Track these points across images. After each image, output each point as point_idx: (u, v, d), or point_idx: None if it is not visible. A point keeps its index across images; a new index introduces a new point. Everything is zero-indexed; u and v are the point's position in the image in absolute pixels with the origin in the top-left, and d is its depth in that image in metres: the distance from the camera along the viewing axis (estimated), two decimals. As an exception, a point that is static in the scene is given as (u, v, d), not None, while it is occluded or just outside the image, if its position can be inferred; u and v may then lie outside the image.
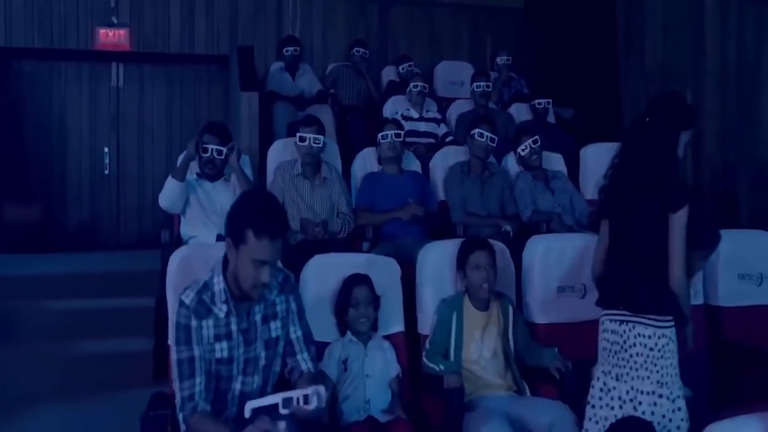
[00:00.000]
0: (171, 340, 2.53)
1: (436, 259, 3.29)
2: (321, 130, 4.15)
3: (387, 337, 3.13)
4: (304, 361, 2.56)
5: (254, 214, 2.31)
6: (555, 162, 4.82)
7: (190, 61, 6.68)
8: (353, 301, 3.01)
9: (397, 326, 3.20)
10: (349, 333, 3.03)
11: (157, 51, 6.47)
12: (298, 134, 4.11)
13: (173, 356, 2.42)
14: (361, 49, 6.44)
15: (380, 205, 4.21)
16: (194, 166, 4.11)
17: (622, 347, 2.57)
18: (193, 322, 2.38)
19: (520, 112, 5.82)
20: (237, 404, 2.47)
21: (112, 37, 6.28)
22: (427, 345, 3.10)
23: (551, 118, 5.88)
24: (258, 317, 2.47)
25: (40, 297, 4.43)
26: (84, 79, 6.60)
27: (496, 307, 3.18)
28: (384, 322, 3.13)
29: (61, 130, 6.53)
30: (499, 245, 3.35)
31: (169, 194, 3.91)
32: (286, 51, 6.28)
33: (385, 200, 4.21)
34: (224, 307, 2.40)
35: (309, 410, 2.22)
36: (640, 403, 2.52)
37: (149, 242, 5.51)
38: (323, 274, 3.13)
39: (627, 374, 2.55)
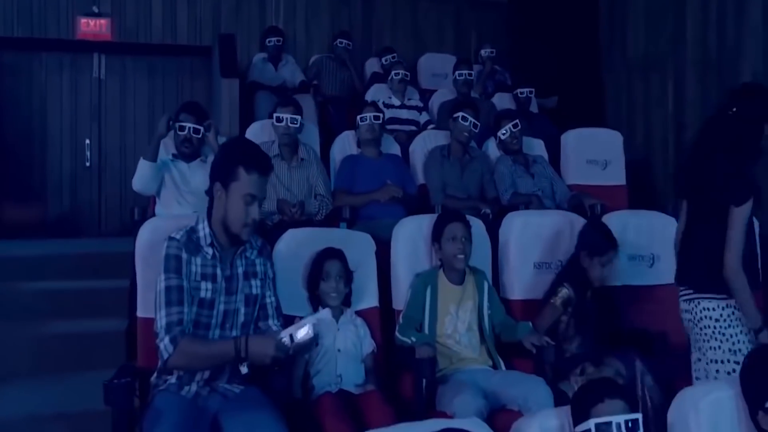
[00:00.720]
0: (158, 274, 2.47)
1: (411, 234, 3.26)
2: (298, 110, 4.11)
3: (360, 312, 3.09)
4: (275, 326, 2.57)
5: (243, 153, 2.49)
6: (536, 147, 4.81)
7: (173, 52, 6.64)
8: (324, 274, 2.98)
9: (371, 301, 3.16)
10: (320, 308, 2.99)
11: (139, 42, 6.42)
12: (275, 114, 4.08)
13: (160, 285, 2.42)
14: (345, 41, 6.44)
15: (359, 187, 4.17)
16: (170, 147, 4.06)
17: (693, 323, 2.71)
18: (184, 255, 2.44)
19: (502, 101, 5.81)
20: None
21: (93, 26, 6.23)
22: (401, 320, 3.07)
23: (534, 108, 5.88)
24: (240, 270, 2.53)
25: (14, 278, 4.37)
26: (65, 70, 6.55)
27: (472, 282, 3.16)
28: (358, 297, 3.10)
29: (42, 121, 6.47)
30: (475, 221, 3.32)
31: (141, 176, 3.87)
32: (269, 42, 6.27)
33: (364, 182, 4.17)
34: (210, 250, 2.47)
35: (307, 340, 2.36)
36: (717, 371, 2.62)
37: (130, 233, 5.45)
38: (296, 248, 3.08)
39: (701, 348, 2.69)
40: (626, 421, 2.09)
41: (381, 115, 4.36)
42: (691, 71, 5.07)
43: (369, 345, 3.01)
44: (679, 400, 2.33)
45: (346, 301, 3.03)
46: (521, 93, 5.69)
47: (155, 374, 2.53)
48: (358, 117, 4.34)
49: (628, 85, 5.74)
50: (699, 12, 4.99)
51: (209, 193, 2.53)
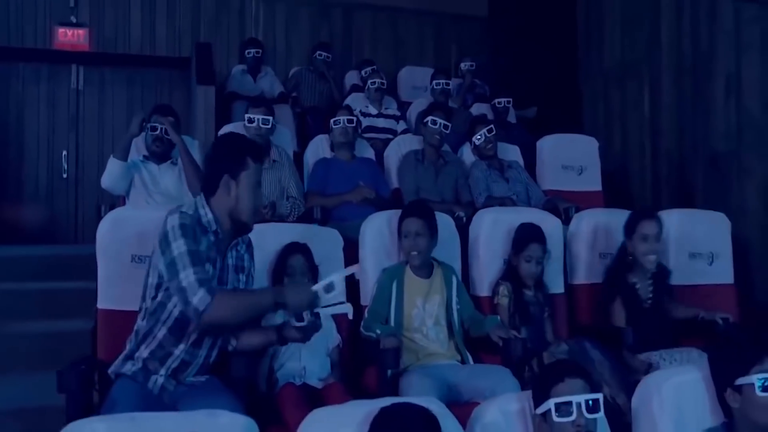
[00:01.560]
0: (163, 247, 2.35)
1: (380, 230, 3.25)
2: (269, 111, 4.11)
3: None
4: None
5: (247, 144, 2.56)
6: (511, 153, 4.81)
7: (152, 63, 6.63)
8: (289, 269, 2.94)
9: (338, 297, 3.10)
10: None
11: (118, 52, 6.40)
12: (246, 116, 4.07)
13: (179, 249, 2.29)
14: (324, 53, 6.44)
15: (331, 189, 4.15)
16: (142, 149, 4.08)
17: None
18: (197, 230, 2.37)
19: (480, 111, 5.79)
20: (192, 344, 2.42)
21: (71, 36, 6.22)
22: (366, 314, 3.02)
23: (512, 118, 5.89)
24: (230, 262, 2.50)
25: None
26: (43, 81, 6.51)
27: (440, 276, 3.13)
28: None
29: (19, 131, 6.41)
30: (443, 216, 3.30)
31: (110, 173, 3.85)
32: (248, 53, 6.28)
33: (337, 185, 4.15)
34: (212, 237, 2.42)
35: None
36: None
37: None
38: (262, 242, 3.01)
39: None
40: (587, 401, 2.04)
41: (354, 118, 4.36)
42: (667, 76, 5.08)
43: (334, 339, 2.97)
44: (643, 385, 2.31)
45: (312, 296, 2.98)
46: (499, 103, 5.70)
47: (119, 361, 2.46)
48: (332, 120, 4.33)
49: (605, 92, 5.75)
50: (673, 18, 5.02)
51: (211, 187, 2.44)
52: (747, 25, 4.40)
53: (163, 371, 2.42)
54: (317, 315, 2.43)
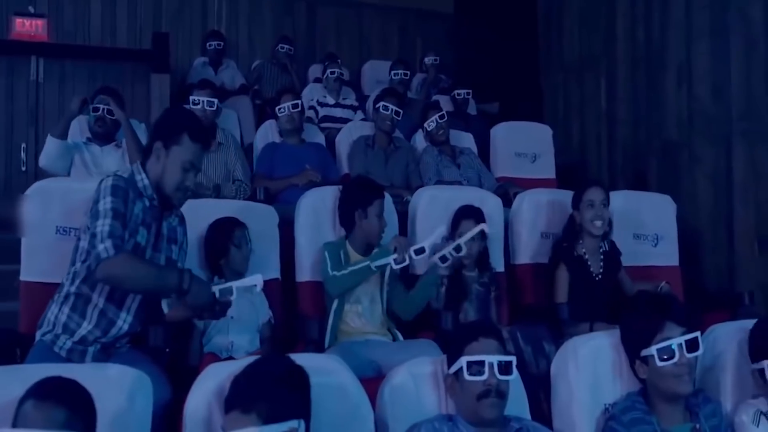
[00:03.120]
0: (92, 204, 2.33)
1: (314, 206, 3.21)
2: (214, 94, 4.07)
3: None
4: None
5: (190, 121, 2.49)
6: (465, 140, 4.79)
7: (113, 56, 6.56)
8: (236, 241, 2.93)
9: (273, 273, 3.08)
10: (216, 278, 2.90)
11: (77, 43, 6.34)
12: (191, 98, 4.03)
13: (105, 205, 2.26)
14: (286, 46, 6.42)
15: (279, 173, 4.12)
16: (86, 131, 4.04)
17: None
18: (130, 193, 2.34)
19: (441, 103, 5.78)
20: (130, 312, 2.40)
21: (29, 26, 6.14)
22: (329, 272, 2.95)
23: (472, 110, 5.88)
24: (164, 231, 2.48)
25: None
26: (1, 72, 6.42)
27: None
28: (258, 268, 2.99)
29: (-25, 124, 6.32)
30: (388, 197, 3.27)
31: (47, 152, 3.83)
32: (209, 45, 6.26)
33: (284, 168, 4.11)
34: (146, 202, 2.41)
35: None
36: None
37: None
38: (193, 218, 2.97)
39: None
40: (500, 362, 2.01)
41: (299, 102, 4.32)
42: (622, 68, 5.09)
43: (265, 314, 2.94)
44: (561, 351, 2.28)
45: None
46: (458, 94, 5.69)
47: (49, 330, 2.38)
48: (277, 108, 4.29)
49: (564, 86, 5.76)
50: (628, 8, 5.03)
51: (147, 153, 2.45)
52: (697, 13, 4.41)
53: (91, 339, 2.36)
54: (225, 294, 2.33)
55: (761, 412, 2.20)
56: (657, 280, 3.45)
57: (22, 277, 2.78)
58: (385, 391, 2.06)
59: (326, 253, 2.98)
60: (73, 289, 2.38)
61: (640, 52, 4.95)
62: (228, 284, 2.32)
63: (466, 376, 1.99)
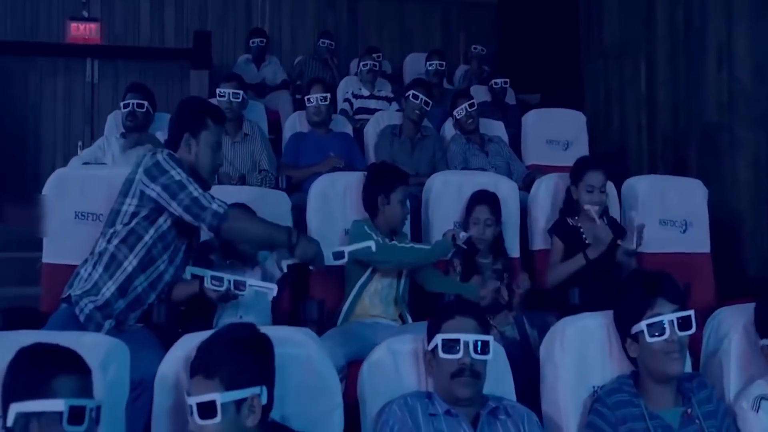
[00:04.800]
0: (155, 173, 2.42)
1: (323, 192, 3.24)
2: (241, 85, 4.15)
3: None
4: None
5: (208, 105, 2.74)
6: (496, 128, 4.73)
7: (161, 56, 6.80)
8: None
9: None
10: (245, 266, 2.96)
11: (128, 44, 6.59)
12: (217, 90, 4.13)
13: (174, 176, 2.39)
14: (327, 41, 6.50)
15: (304, 162, 4.16)
16: (120, 125, 4.23)
17: None
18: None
19: (478, 93, 5.72)
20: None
21: (83, 30, 6.44)
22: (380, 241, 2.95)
23: (511, 99, 5.81)
24: None
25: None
26: (59, 75, 6.75)
27: (396, 239, 3.10)
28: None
29: (36, 123, 6.67)
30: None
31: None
32: (252, 42, 6.39)
33: (309, 157, 4.15)
34: None
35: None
36: None
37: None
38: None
39: None
40: (475, 342, 1.99)
41: (328, 95, 4.34)
42: (662, 51, 4.94)
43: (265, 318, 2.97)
44: (550, 332, 2.24)
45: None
46: (495, 84, 5.63)
47: (79, 287, 2.46)
48: (306, 98, 4.34)
49: (604, 73, 5.63)
50: (668, -10, 4.89)
51: (173, 146, 2.57)
52: (738, -7, 4.25)
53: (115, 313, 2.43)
54: (239, 286, 2.45)
55: (761, 397, 2.11)
56: (686, 269, 3.33)
57: (44, 259, 2.92)
58: (365, 368, 2.07)
59: (366, 227, 2.99)
60: (111, 247, 2.46)
61: (679, 34, 4.79)
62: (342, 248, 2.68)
63: (441, 354, 1.98)
